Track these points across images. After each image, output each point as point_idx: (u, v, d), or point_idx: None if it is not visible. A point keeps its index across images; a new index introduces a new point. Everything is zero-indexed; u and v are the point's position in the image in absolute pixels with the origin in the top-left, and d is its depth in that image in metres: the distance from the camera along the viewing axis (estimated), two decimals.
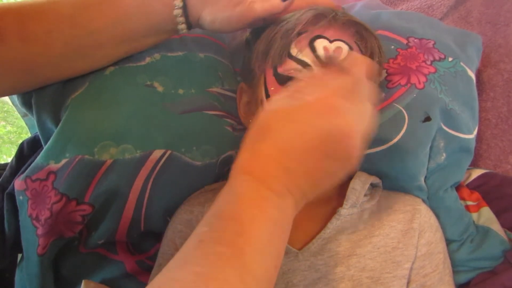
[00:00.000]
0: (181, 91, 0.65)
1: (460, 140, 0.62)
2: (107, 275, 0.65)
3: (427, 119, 0.60)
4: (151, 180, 0.61)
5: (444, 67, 0.64)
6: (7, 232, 0.65)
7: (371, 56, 0.59)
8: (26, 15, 0.55)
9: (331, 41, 0.56)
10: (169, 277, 0.33)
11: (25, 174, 0.59)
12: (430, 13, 0.85)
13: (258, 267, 0.34)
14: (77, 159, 0.58)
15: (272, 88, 0.58)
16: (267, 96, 0.58)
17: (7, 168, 0.69)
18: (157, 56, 0.66)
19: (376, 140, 0.59)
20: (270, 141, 0.39)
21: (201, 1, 0.59)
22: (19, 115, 0.74)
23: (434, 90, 0.62)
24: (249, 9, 0.58)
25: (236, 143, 0.67)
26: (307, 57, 0.55)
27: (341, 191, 0.58)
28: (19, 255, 0.68)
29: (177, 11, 0.59)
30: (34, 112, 0.63)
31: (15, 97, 0.68)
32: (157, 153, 0.61)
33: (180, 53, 0.67)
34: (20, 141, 0.72)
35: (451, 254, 0.62)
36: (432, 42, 0.66)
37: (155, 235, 0.66)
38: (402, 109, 0.61)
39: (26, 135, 0.83)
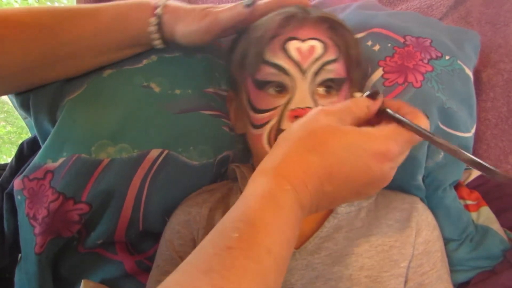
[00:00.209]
0: (178, 91, 0.65)
1: (458, 139, 0.62)
2: (106, 275, 0.65)
3: None
4: (149, 179, 0.61)
5: (441, 65, 0.64)
6: (6, 232, 0.65)
7: (347, 49, 0.59)
8: (5, 24, 0.56)
9: (303, 41, 0.56)
10: (191, 280, 0.32)
11: (23, 173, 0.60)
12: (430, 13, 0.84)
13: (276, 284, 0.34)
14: (74, 158, 0.59)
15: (252, 95, 0.59)
16: (249, 102, 0.59)
17: (7, 168, 0.69)
18: (153, 57, 0.67)
19: None
20: (321, 158, 0.39)
21: (173, 17, 0.61)
22: (19, 115, 0.75)
23: (431, 88, 0.62)
24: (216, 19, 0.60)
25: (232, 143, 0.67)
26: (281, 60, 0.56)
27: None
28: (19, 255, 0.68)
29: (152, 28, 0.62)
30: (31, 113, 0.64)
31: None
32: (154, 153, 0.61)
33: (177, 54, 0.68)
34: (20, 142, 0.73)
35: (450, 253, 0.62)
36: (429, 41, 0.66)
37: (154, 236, 0.66)
38: None
39: (26, 135, 0.84)
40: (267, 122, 0.57)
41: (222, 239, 0.34)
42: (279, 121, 0.56)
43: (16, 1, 1.92)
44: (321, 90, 0.57)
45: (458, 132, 0.62)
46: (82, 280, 0.62)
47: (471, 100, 0.66)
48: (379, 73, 0.64)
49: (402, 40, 0.66)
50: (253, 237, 0.34)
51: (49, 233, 0.59)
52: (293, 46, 0.56)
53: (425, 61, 0.64)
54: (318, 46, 0.56)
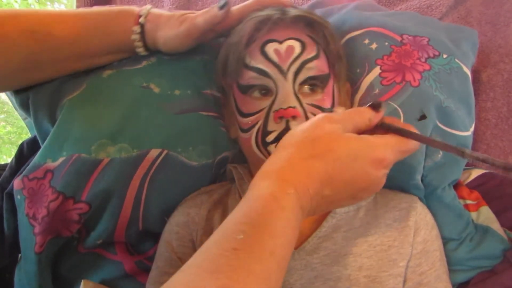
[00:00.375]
0: (177, 92, 0.66)
1: (456, 138, 0.62)
2: (106, 275, 0.65)
3: (423, 117, 0.60)
4: (148, 179, 0.61)
5: (439, 64, 0.64)
6: (6, 232, 0.65)
7: (327, 45, 0.59)
8: None
9: (281, 42, 0.57)
10: (197, 280, 0.33)
11: (23, 173, 0.60)
12: (429, 13, 0.84)
13: (277, 284, 0.36)
14: (74, 158, 0.59)
15: (238, 100, 0.60)
16: (237, 107, 0.60)
17: (7, 168, 0.69)
18: (153, 59, 0.68)
19: None
20: (325, 163, 0.41)
21: (155, 25, 0.63)
22: (19, 116, 0.75)
23: (429, 87, 0.62)
24: (193, 24, 0.61)
25: (231, 145, 0.67)
26: (261, 64, 0.57)
27: None
28: (19, 255, 0.68)
29: (135, 36, 0.63)
30: (31, 112, 0.64)
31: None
32: (154, 153, 0.61)
33: (176, 56, 0.68)
34: (20, 142, 0.73)
35: (450, 253, 0.62)
36: (426, 39, 0.66)
37: (154, 236, 0.66)
38: (397, 107, 0.61)
39: (26, 135, 0.84)
40: (253, 125, 0.58)
41: (227, 241, 0.35)
42: (265, 123, 0.56)
43: (16, 1, 1.93)
44: (305, 88, 0.57)
45: (457, 131, 0.62)
46: (82, 280, 0.62)
47: (469, 98, 0.65)
48: (376, 71, 0.64)
49: (399, 38, 0.66)
50: (257, 239, 0.35)
51: (49, 233, 0.60)
52: (271, 48, 0.57)
53: (423, 59, 0.64)
54: (296, 45, 0.57)
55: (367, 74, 0.65)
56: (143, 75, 0.66)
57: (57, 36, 0.60)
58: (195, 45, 0.66)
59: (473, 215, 0.66)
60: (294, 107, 0.54)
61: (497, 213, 0.65)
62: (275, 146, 0.54)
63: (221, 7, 0.59)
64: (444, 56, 0.65)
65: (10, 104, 0.74)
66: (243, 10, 0.63)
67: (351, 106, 0.65)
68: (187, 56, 0.68)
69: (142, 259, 0.67)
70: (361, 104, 0.64)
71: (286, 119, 0.55)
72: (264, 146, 0.56)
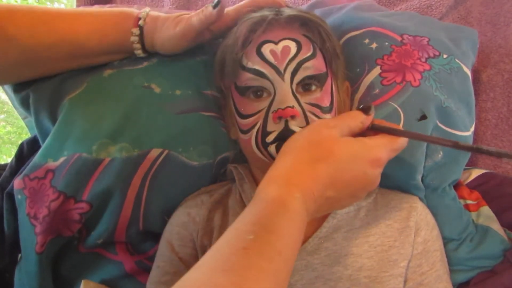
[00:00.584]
0: (178, 92, 0.66)
1: (457, 138, 0.62)
2: (106, 275, 0.65)
3: (423, 117, 0.60)
4: (149, 179, 0.61)
5: (439, 64, 0.64)
6: (6, 232, 0.65)
7: (323, 43, 0.59)
8: None
9: (276, 43, 0.57)
10: (211, 278, 0.34)
11: (23, 173, 0.60)
12: (429, 13, 0.84)
13: (285, 283, 0.38)
14: (75, 157, 0.59)
15: (237, 101, 0.60)
16: (236, 109, 0.60)
17: (7, 168, 0.69)
18: (154, 59, 0.68)
19: None
20: (328, 165, 0.44)
21: (153, 28, 0.63)
22: (19, 116, 0.75)
23: (430, 87, 0.62)
24: (188, 24, 0.61)
25: (232, 145, 0.67)
26: (257, 65, 0.57)
27: None
28: (19, 255, 0.68)
29: (134, 38, 0.63)
30: (32, 111, 0.64)
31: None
32: (155, 152, 0.61)
33: (177, 56, 0.68)
34: (20, 142, 0.73)
35: (450, 253, 0.62)
36: (426, 39, 0.66)
37: (154, 236, 0.66)
38: (397, 107, 0.61)
39: (26, 135, 0.84)
40: (253, 126, 0.57)
41: (238, 241, 0.37)
42: (264, 124, 0.56)
43: (16, 1, 1.93)
44: (302, 88, 0.57)
45: (457, 131, 0.62)
46: (82, 281, 0.62)
47: (469, 98, 0.66)
48: (376, 71, 0.64)
49: (399, 38, 0.66)
50: (267, 240, 0.37)
51: (50, 233, 0.59)
52: (267, 49, 0.57)
53: (423, 59, 0.64)
54: (291, 45, 0.57)
55: (367, 73, 0.65)
56: (144, 75, 0.66)
57: (53, 34, 0.60)
58: (192, 46, 0.66)
59: (473, 215, 0.66)
60: (292, 107, 0.54)
61: (497, 213, 0.65)
62: (275, 146, 0.54)
63: (215, 6, 0.59)
64: (444, 56, 0.65)
65: (10, 104, 0.74)
66: (238, 10, 0.63)
67: (351, 105, 0.65)
68: (188, 56, 0.68)
69: (142, 259, 0.67)
70: (360, 103, 0.64)
71: (285, 119, 0.54)
72: (264, 146, 0.56)
